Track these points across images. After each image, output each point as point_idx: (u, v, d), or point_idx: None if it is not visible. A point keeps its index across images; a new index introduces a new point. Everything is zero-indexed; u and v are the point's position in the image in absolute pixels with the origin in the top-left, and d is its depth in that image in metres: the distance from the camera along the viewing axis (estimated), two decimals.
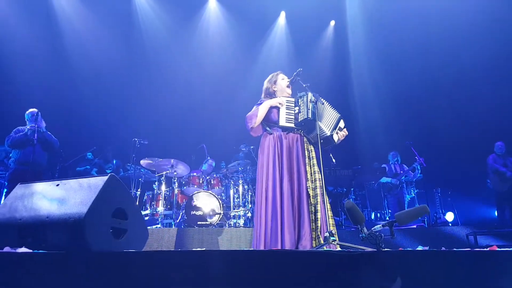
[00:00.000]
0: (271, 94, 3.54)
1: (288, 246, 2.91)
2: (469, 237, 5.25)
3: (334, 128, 3.37)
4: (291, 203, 3.07)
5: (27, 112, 5.48)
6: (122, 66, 8.76)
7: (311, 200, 3.11)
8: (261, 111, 3.33)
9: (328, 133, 3.30)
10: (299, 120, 3.27)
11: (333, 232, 2.79)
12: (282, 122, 3.31)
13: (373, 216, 8.17)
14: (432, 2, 8.33)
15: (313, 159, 3.30)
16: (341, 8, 9.34)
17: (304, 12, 9.09)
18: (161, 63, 9.18)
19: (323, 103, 3.37)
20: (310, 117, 3.17)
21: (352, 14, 9.36)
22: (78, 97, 8.39)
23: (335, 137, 3.38)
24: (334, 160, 3.94)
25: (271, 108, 3.37)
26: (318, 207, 3.07)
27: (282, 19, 9.63)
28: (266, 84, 3.62)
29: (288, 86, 3.55)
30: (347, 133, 3.49)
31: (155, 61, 9.15)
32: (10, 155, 5.52)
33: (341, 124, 3.46)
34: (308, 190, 3.12)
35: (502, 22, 7.94)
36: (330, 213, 3.08)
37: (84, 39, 8.38)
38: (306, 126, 3.30)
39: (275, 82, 3.56)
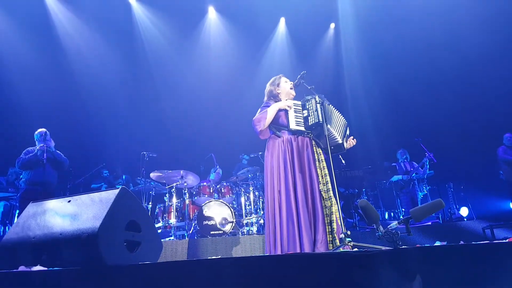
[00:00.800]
0: (275, 97, 3.54)
1: (306, 250, 2.88)
2: (485, 230, 5.15)
3: (344, 135, 3.38)
4: (305, 206, 3.05)
5: (36, 132, 5.53)
6: (127, 81, 8.88)
7: (325, 202, 3.09)
8: (269, 113, 3.32)
9: (340, 141, 3.29)
10: (309, 124, 3.24)
11: (348, 233, 2.76)
12: (293, 125, 3.28)
13: (386, 216, 8.08)
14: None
15: (322, 161, 3.28)
16: (338, 12, 9.37)
17: (303, 17, 9.14)
18: (165, 76, 9.27)
19: (329, 104, 3.36)
20: (321, 120, 3.15)
21: (344, 17, 9.37)
22: (85, 114, 8.50)
23: (345, 145, 3.40)
24: (343, 161, 3.93)
25: (279, 111, 3.36)
26: (333, 209, 3.05)
27: (282, 25, 9.69)
28: (269, 87, 3.61)
29: (291, 89, 3.55)
30: (355, 142, 3.51)
31: (159, 74, 9.25)
32: (21, 176, 5.56)
33: (347, 131, 3.49)
34: (322, 193, 3.11)
35: (502, 11, 7.87)
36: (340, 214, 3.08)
37: (87, 57, 8.50)
38: (317, 130, 3.28)
39: (278, 85, 3.56)
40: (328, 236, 2.99)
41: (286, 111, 3.35)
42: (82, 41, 8.42)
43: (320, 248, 2.91)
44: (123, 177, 8.24)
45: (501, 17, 7.96)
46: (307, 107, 3.31)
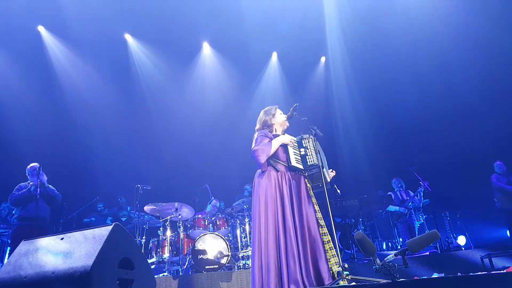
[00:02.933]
0: (269, 126, 3.56)
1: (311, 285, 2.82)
2: (484, 260, 5.11)
3: (328, 170, 3.53)
4: (307, 241, 3.02)
5: (28, 166, 5.47)
6: (122, 115, 8.95)
7: (323, 238, 3.08)
8: (274, 146, 3.31)
9: (329, 179, 3.47)
10: (308, 164, 3.29)
11: (346, 266, 2.74)
12: (293, 162, 3.30)
13: (384, 246, 7.98)
14: (420, 26, 8.60)
15: (313, 197, 3.34)
16: (327, 46, 9.63)
17: (294, 51, 9.40)
18: (160, 109, 9.38)
19: (319, 138, 3.42)
20: (318, 163, 3.25)
21: (334, 51, 9.64)
22: (79, 148, 8.50)
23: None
24: (339, 191, 3.95)
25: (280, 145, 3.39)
26: (331, 245, 3.05)
27: (274, 59, 9.96)
28: (263, 116, 3.62)
29: (286, 120, 3.61)
30: (334, 173, 3.65)
31: (155, 107, 9.36)
32: (13, 212, 5.47)
33: None
34: (322, 228, 3.11)
35: (492, 42, 8.16)
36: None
37: (82, 91, 8.62)
38: (313, 171, 3.38)
39: (273, 115, 3.58)
40: (330, 271, 2.94)
41: (286, 146, 3.37)
42: (77, 76, 8.55)
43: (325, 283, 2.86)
44: (128, 209, 8.16)
45: (490, 48, 8.24)
46: (304, 145, 3.36)
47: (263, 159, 3.26)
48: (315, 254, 2.99)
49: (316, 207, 3.25)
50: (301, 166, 3.32)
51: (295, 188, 3.25)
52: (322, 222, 3.18)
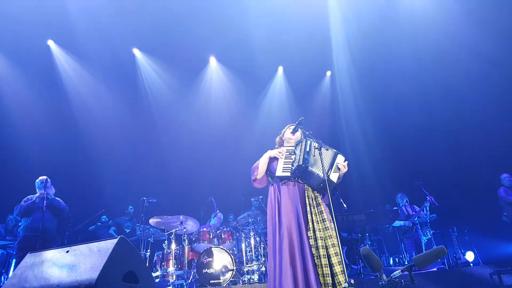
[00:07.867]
0: (280, 144, 3.64)
1: None
2: (492, 276, 5.01)
3: (330, 167, 3.25)
4: (289, 254, 2.95)
5: (37, 180, 5.56)
6: (129, 129, 9.04)
7: (314, 250, 2.97)
8: (261, 163, 3.38)
9: (321, 176, 3.15)
10: (293, 169, 3.22)
11: (352, 282, 2.70)
12: (279, 172, 3.30)
13: (391, 262, 7.86)
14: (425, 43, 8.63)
15: (319, 206, 3.18)
16: (333, 60, 9.68)
17: (300, 65, 9.46)
18: (167, 122, 9.46)
19: (320, 147, 3.30)
20: (302, 163, 3.13)
21: (340, 66, 9.69)
22: (85, 161, 8.56)
23: (333, 177, 3.26)
24: (345, 205, 3.89)
25: (272, 158, 3.39)
26: (337, 259, 2.95)
27: (280, 73, 10.04)
28: (279, 135, 3.72)
29: (291, 133, 3.58)
30: (346, 168, 3.35)
31: (162, 121, 9.45)
32: (20, 223, 5.51)
33: (340, 159, 3.34)
34: (310, 240, 2.99)
35: (499, 59, 8.14)
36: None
37: (90, 104, 8.75)
38: (301, 173, 3.23)
39: (283, 133, 3.66)
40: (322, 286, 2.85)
41: (278, 158, 3.36)
42: (86, 89, 8.68)
43: None
44: (133, 220, 8.14)
45: (496, 64, 8.23)
46: (296, 151, 3.31)
47: (253, 176, 3.40)
48: (306, 270, 2.91)
49: (322, 216, 3.12)
50: (287, 174, 3.26)
51: (289, 202, 3.20)
52: (329, 232, 3.04)
